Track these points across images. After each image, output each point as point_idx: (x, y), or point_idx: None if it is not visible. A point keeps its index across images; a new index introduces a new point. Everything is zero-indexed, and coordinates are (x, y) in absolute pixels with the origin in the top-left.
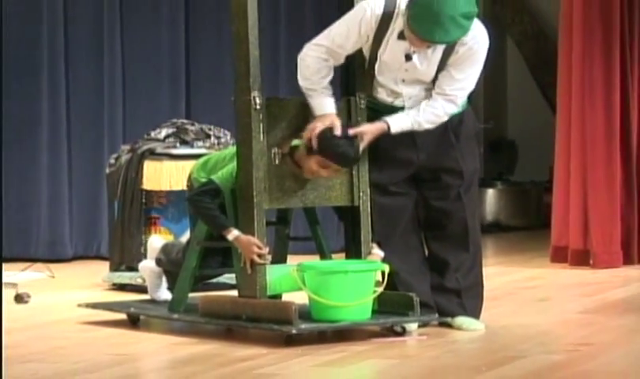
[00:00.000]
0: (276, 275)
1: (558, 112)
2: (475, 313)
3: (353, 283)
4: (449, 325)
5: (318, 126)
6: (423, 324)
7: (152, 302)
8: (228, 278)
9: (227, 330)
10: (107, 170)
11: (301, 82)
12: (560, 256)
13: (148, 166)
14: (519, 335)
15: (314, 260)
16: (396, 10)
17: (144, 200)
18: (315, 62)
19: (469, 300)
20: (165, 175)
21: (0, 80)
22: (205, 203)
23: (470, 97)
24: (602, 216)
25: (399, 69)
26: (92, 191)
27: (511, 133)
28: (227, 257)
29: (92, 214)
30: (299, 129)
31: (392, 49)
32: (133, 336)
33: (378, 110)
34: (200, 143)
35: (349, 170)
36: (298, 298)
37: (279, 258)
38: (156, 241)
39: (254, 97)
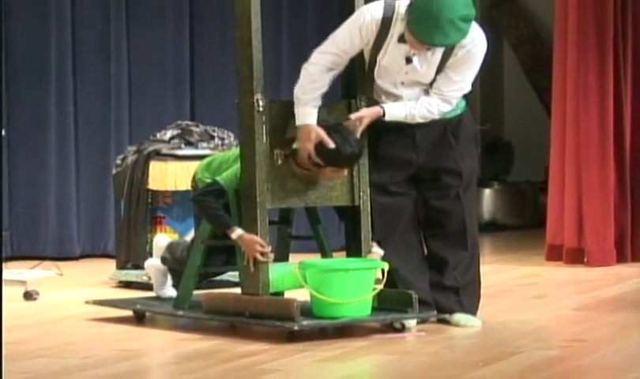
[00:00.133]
0: (278, 273)
1: (553, 115)
2: (472, 310)
3: (354, 281)
4: (447, 322)
5: (309, 149)
6: (421, 321)
7: (158, 299)
8: (232, 276)
9: (231, 326)
10: (114, 171)
11: (297, 90)
12: (555, 254)
13: (154, 167)
14: (515, 331)
15: (315, 258)
16: (395, 15)
17: (149, 200)
18: (319, 71)
19: (467, 297)
20: (170, 176)
21: (0, 81)
22: (210, 203)
23: (468, 100)
24: (596, 216)
25: (399, 72)
26: (99, 191)
27: (507, 135)
28: (231, 256)
29: (99, 213)
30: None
31: (392, 52)
32: (139, 332)
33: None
34: (204, 144)
35: (350, 170)
36: (300, 295)
37: (281, 256)
38: (162, 239)
39: (257, 100)
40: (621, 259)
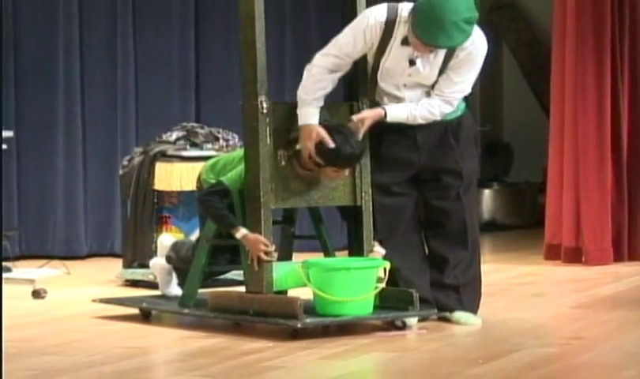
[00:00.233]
0: (282, 272)
1: (551, 116)
2: (472, 308)
3: (356, 280)
4: (447, 320)
5: (310, 148)
6: (422, 319)
7: (163, 297)
8: (236, 274)
9: (235, 324)
10: (121, 172)
11: (300, 91)
12: (553, 253)
13: (160, 168)
14: (514, 329)
15: (318, 257)
16: (398, 18)
17: (155, 200)
18: (321, 73)
19: (467, 296)
20: (176, 176)
21: (0, 81)
22: (215, 203)
23: (468, 101)
24: (593, 215)
25: (402, 74)
26: (105, 191)
27: (507, 136)
28: (236, 255)
29: (106, 213)
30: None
31: (395, 55)
32: (145, 330)
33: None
34: (209, 145)
35: (352, 171)
36: (303, 293)
37: (285, 256)
38: (166, 239)
39: (261, 101)
40: (618, 258)
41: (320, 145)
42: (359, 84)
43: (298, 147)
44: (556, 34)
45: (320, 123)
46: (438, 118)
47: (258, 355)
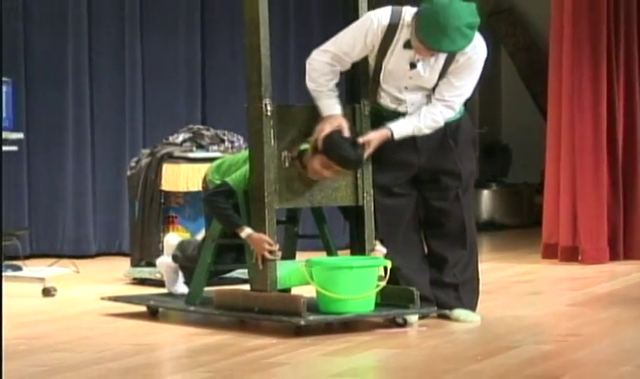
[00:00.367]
0: (285, 271)
1: (548, 119)
2: (471, 306)
3: (358, 278)
4: (447, 317)
5: (326, 128)
6: (422, 316)
7: (170, 295)
8: (241, 273)
9: (240, 321)
10: (128, 173)
11: (309, 85)
12: (551, 252)
13: (167, 169)
14: (513, 326)
15: (321, 256)
16: (401, 21)
17: (162, 201)
18: (322, 66)
19: (466, 294)
20: (182, 177)
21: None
22: (220, 203)
23: (467, 104)
24: (590, 215)
25: (403, 77)
26: (114, 192)
27: (505, 138)
28: (241, 254)
29: (114, 213)
30: (308, 134)
31: (397, 58)
32: (153, 327)
33: (382, 116)
34: (215, 147)
35: (354, 172)
36: (306, 291)
37: (288, 254)
38: (173, 238)
39: (266, 104)
40: (614, 257)
41: (332, 133)
42: (360, 86)
43: (302, 147)
44: (553, 39)
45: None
46: (442, 124)
47: (263, 352)
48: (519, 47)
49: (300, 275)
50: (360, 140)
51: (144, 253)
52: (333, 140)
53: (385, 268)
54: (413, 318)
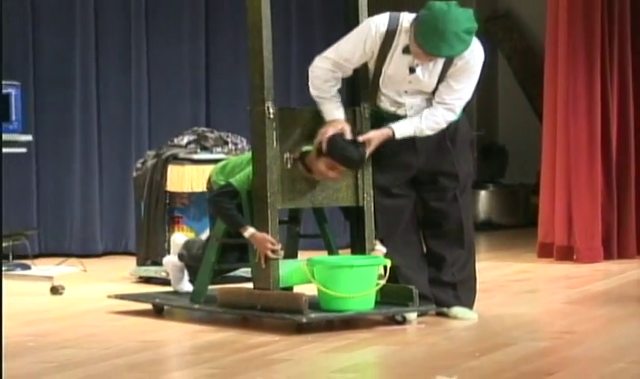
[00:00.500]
0: (287, 269)
1: (544, 121)
2: (469, 304)
3: (358, 277)
4: (445, 315)
5: (329, 131)
6: (421, 314)
7: (175, 293)
8: (244, 271)
9: (243, 319)
10: (134, 174)
11: (312, 91)
12: (546, 251)
13: (172, 170)
14: (509, 323)
15: (322, 255)
16: (399, 27)
17: (167, 201)
18: (323, 73)
19: (464, 292)
20: (187, 178)
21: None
22: (224, 203)
23: (464, 107)
24: (584, 215)
25: (402, 82)
26: (120, 193)
27: (502, 140)
28: (244, 253)
29: (121, 213)
30: (309, 136)
31: (396, 63)
32: (158, 325)
33: (382, 118)
34: (219, 149)
35: (354, 173)
36: (308, 290)
37: (290, 254)
38: (179, 238)
39: (268, 107)
40: (608, 256)
41: (334, 136)
42: (360, 90)
43: (304, 149)
44: (549, 43)
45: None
46: (444, 126)
47: (265, 349)
48: (515, 51)
49: (302, 273)
50: (361, 138)
51: (149, 252)
52: (336, 142)
53: (385, 267)
54: (412, 316)
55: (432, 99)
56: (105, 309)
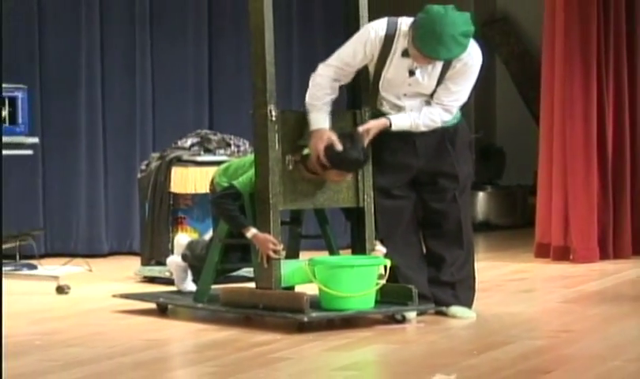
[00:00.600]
0: (289, 269)
1: (541, 124)
2: (467, 303)
3: (358, 276)
4: (444, 314)
5: (319, 148)
6: (421, 313)
7: (179, 292)
8: (247, 271)
9: (246, 318)
10: (139, 176)
11: (307, 97)
12: (543, 251)
13: (176, 172)
14: (507, 322)
15: (323, 255)
16: (397, 31)
17: (171, 202)
18: (325, 81)
19: (463, 291)
20: (191, 180)
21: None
22: (227, 205)
23: (463, 110)
24: (581, 216)
25: (402, 85)
26: (125, 194)
27: (499, 142)
28: (246, 253)
29: (126, 214)
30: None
31: (395, 66)
32: (162, 323)
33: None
34: (222, 151)
35: (355, 174)
36: (309, 289)
37: (292, 254)
38: (182, 238)
39: (270, 110)
40: (604, 256)
41: (328, 149)
42: (361, 93)
43: (305, 152)
44: (546, 48)
45: (330, 129)
46: (439, 125)
47: (268, 347)
48: (513, 55)
49: (303, 273)
50: (360, 128)
51: (154, 252)
52: (336, 154)
53: (385, 267)
54: (412, 315)
55: (430, 101)
56: (110, 308)
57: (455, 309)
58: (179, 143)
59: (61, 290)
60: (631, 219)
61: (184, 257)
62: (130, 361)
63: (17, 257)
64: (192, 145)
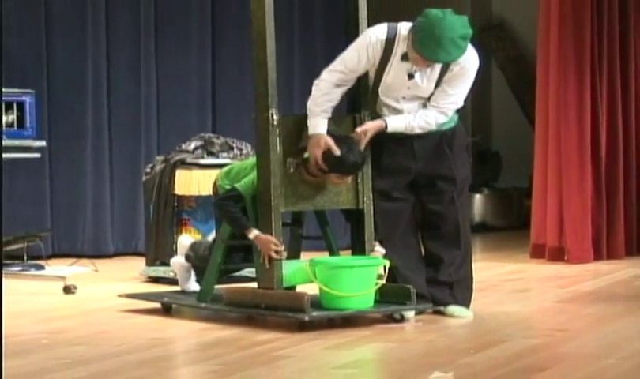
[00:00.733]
0: (290, 270)
1: (536, 128)
2: (465, 303)
3: (358, 277)
4: (442, 313)
5: (317, 154)
6: (419, 312)
7: (183, 292)
8: (249, 272)
9: (248, 317)
10: (144, 178)
11: (309, 103)
12: (538, 252)
13: (180, 175)
14: (503, 321)
15: (324, 256)
16: (397, 36)
17: (175, 204)
18: (328, 87)
19: (460, 291)
20: (194, 182)
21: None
22: (229, 207)
23: (460, 114)
24: (575, 218)
25: (401, 88)
26: (130, 196)
27: (496, 146)
28: (249, 254)
29: (131, 216)
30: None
31: (395, 70)
32: (167, 323)
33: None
34: (224, 154)
35: (355, 177)
36: (310, 289)
37: (293, 254)
38: (185, 239)
39: (272, 114)
40: (597, 257)
41: (326, 153)
42: (361, 97)
43: (306, 155)
44: (541, 53)
45: (328, 133)
46: (434, 127)
47: (269, 345)
48: (509, 61)
49: (304, 273)
50: (358, 129)
51: (158, 253)
52: (334, 159)
53: (384, 268)
54: (410, 314)
55: (427, 103)
56: (116, 307)
57: (453, 309)
58: (183, 146)
59: (68, 289)
60: (624, 221)
61: (187, 258)
62: (135, 359)
63: (25, 257)
64: (196, 149)
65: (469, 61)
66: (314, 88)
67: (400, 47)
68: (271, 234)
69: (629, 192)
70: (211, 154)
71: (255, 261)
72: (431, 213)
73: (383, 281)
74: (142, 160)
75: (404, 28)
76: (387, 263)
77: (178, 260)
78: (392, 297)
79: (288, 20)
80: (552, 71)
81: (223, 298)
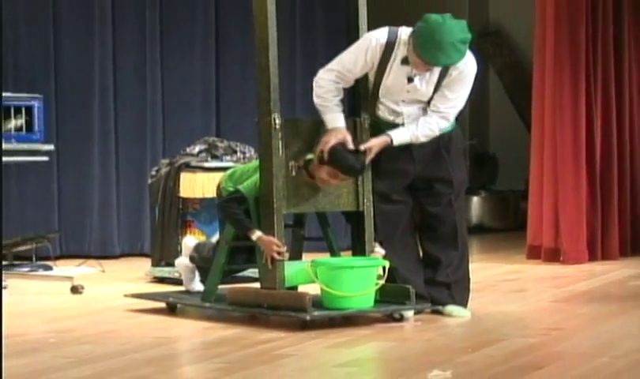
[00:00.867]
0: (292, 270)
1: (532, 131)
2: (463, 303)
3: (358, 277)
4: (440, 313)
5: (331, 141)
6: (418, 312)
7: (187, 292)
8: (252, 272)
9: (251, 317)
10: (149, 181)
11: (316, 100)
12: (535, 253)
13: (184, 177)
14: (500, 321)
15: (325, 257)
16: (397, 40)
17: (180, 206)
18: (327, 84)
19: (458, 291)
20: (198, 185)
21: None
22: (233, 209)
23: (458, 118)
24: (570, 220)
25: (401, 91)
26: (136, 198)
27: (493, 149)
28: (252, 255)
29: (137, 218)
30: (313, 146)
31: (395, 73)
32: (172, 322)
33: (381, 128)
34: (228, 157)
35: (355, 180)
36: (311, 289)
37: (295, 255)
38: (189, 241)
39: (274, 118)
40: (592, 258)
41: (336, 146)
42: (360, 101)
43: (308, 157)
44: (537, 59)
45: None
46: (438, 133)
47: (272, 344)
48: (505, 66)
49: (306, 274)
50: (362, 147)
51: (163, 253)
52: (338, 151)
53: (384, 268)
54: (409, 314)
55: (427, 108)
56: (122, 307)
57: (451, 308)
58: (188, 150)
59: (75, 290)
60: (618, 222)
61: (192, 259)
62: (141, 357)
63: (34, 258)
64: (200, 152)
65: (468, 65)
66: (315, 87)
67: (400, 51)
68: (273, 235)
69: (623, 194)
70: (215, 157)
71: (258, 262)
72: (429, 215)
73: (383, 281)
74: (148, 163)
75: (404, 32)
76: (387, 264)
77: (183, 261)
78: (391, 297)
79: (290, 27)
80: (548, 76)
81: (226, 298)
